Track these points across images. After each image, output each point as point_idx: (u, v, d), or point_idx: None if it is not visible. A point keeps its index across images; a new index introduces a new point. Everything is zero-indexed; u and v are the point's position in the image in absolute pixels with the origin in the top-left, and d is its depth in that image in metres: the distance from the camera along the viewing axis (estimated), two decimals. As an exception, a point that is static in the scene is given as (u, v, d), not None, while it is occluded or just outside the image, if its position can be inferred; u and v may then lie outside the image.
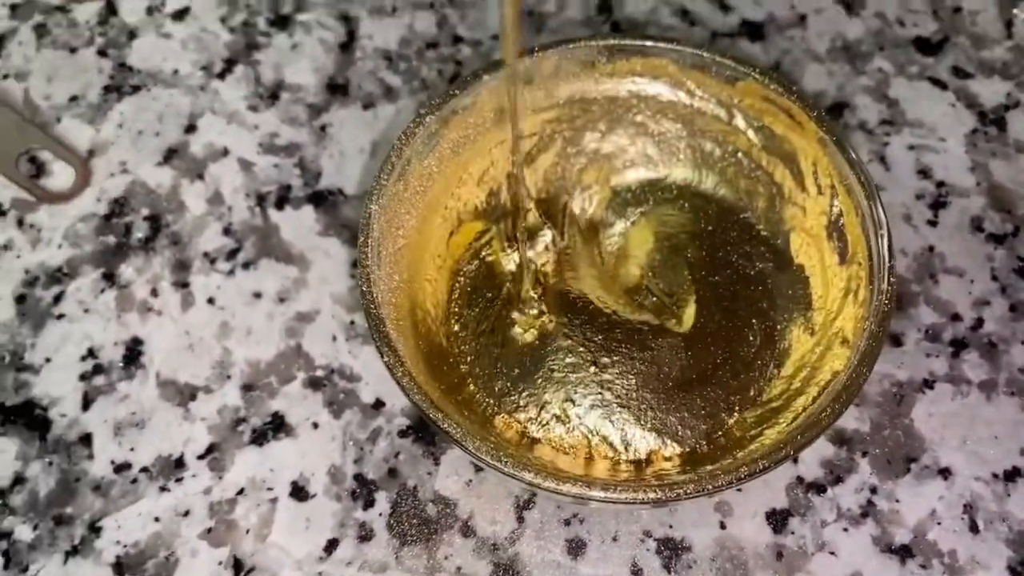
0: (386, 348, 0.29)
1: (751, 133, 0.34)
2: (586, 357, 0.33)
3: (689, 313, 0.34)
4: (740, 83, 0.33)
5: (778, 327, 0.34)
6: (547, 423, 0.33)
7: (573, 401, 0.33)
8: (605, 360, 0.33)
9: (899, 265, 0.37)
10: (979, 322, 0.36)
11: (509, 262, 0.35)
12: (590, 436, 0.32)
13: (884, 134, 0.39)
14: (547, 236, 0.36)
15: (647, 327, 0.34)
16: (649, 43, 0.33)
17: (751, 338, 0.33)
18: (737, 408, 0.32)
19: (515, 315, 0.34)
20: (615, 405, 0.32)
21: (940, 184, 0.38)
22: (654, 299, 0.34)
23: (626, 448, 0.32)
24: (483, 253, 0.35)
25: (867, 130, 0.40)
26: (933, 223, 0.38)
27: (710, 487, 0.27)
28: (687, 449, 0.32)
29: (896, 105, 0.40)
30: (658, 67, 0.34)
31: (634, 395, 0.33)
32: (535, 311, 0.34)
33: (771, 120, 0.34)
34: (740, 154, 0.35)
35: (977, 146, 0.39)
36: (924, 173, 0.39)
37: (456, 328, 0.34)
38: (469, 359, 0.34)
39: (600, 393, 0.33)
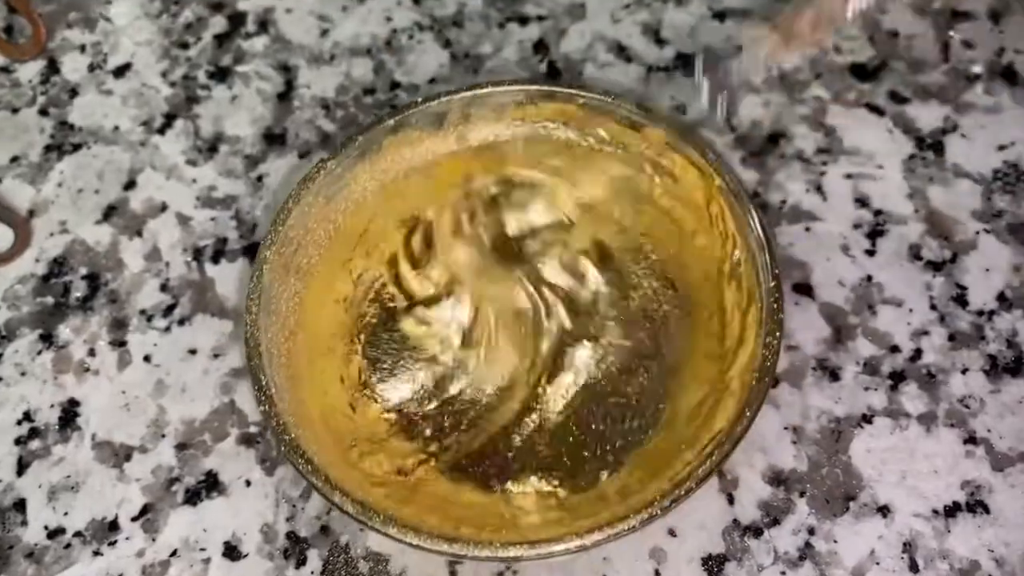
0: (265, 398, 0.29)
1: (657, 178, 0.34)
2: (490, 402, 0.33)
3: (581, 355, 0.34)
4: (645, 129, 0.33)
5: (674, 373, 0.33)
6: (459, 467, 0.33)
7: (482, 444, 0.33)
8: (506, 405, 0.33)
9: (837, 297, 0.36)
10: (918, 353, 0.35)
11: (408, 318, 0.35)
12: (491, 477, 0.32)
13: (821, 163, 0.39)
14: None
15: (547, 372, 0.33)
16: (557, 89, 0.33)
17: (645, 383, 0.33)
18: (628, 456, 0.32)
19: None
20: (514, 448, 0.33)
21: (878, 212, 0.38)
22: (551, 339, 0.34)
23: (512, 493, 0.32)
24: (382, 296, 0.35)
25: (804, 159, 0.39)
26: (871, 252, 0.37)
27: (587, 543, 0.27)
28: (575, 498, 0.32)
29: (833, 133, 0.40)
30: (567, 113, 0.34)
31: (529, 440, 0.33)
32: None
33: (675, 166, 0.34)
34: (648, 198, 0.35)
35: (915, 172, 0.39)
36: (861, 201, 0.38)
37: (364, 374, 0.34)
38: (377, 401, 0.34)
39: (499, 437, 0.33)
